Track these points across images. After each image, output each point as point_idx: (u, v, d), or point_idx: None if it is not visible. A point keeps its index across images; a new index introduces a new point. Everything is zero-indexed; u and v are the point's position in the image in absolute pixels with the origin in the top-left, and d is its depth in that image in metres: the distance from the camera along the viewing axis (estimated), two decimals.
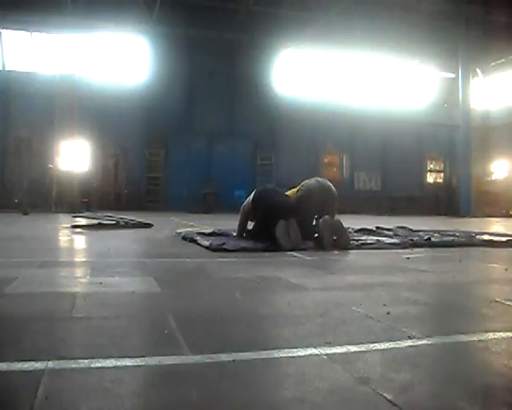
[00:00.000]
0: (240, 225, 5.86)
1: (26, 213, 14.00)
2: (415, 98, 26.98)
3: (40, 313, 2.13)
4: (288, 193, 5.88)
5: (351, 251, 5.11)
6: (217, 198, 20.50)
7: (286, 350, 1.64)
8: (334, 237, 5.23)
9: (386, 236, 6.47)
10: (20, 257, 4.21)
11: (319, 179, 5.95)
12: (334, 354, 1.62)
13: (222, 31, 21.93)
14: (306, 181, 5.97)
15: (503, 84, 27.62)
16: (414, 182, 26.22)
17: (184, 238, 6.06)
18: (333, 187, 5.80)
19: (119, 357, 1.53)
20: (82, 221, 9.62)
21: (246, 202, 5.85)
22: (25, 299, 2.43)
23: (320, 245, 5.06)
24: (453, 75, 24.92)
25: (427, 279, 3.35)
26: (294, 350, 1.64)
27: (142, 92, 21.70)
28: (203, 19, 21.40)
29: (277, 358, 1.58)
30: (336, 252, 4.98)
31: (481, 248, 5.58)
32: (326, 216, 5.23)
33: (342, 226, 5.28)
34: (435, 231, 7.27)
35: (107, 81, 21.70)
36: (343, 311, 2.32)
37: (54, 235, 7.40)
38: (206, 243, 5.11)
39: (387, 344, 1.72)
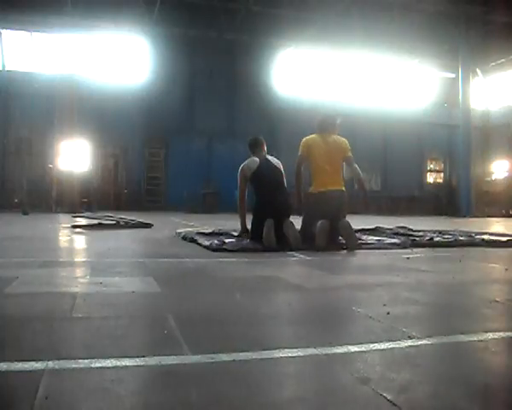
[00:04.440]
0: (241, 190, 5.61)
1: (26, 213, 14.00)
2: (415, 98, 26.97)
3: (40, 313, 2.13)
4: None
5: (351, 251, 5.11)
6: (217, 198, 20.50)
7: (286, 350, 1.63)
8: (342, 239, 5.26)
9: (386, 236, 6.46)
10: (20, 257, 4.21)
11: None
12: (334, 354, 1.62)
13: (222, 31, 21.92)
14: None
15: (503, 84, 27.62)
16: (414, 182, 26.22)
17: (184, 238, 6.06)
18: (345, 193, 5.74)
19: (119, 357, 1.52)
20: (82, 221, 9.62)
21: (241, 171, 5.54)
22: (25, 299, 2.43)
23: (313, 246, 5.02)
24: (453, 75, 24.91)
25: (427, 279, 3.35)
26: (294, 350, 1.63)
27: (142, 92, 21.70)
28: (203, 19, 21.40)
29: (277, 358, 1.58)
30: (336, 252, 4.98)
31: (481, 248, 5.58)
32: (324, 220, 5.11)
33: (350, 227, 5.21)
34: (435, 231, 7.26)
35: (107, 81, 21.69)
36: (343, 311, 2.32)
37: (54, 235, 7.40)
38: (206, 243, 5.11)
39: (387, 344, 1.72)
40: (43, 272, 3.29)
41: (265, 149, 5.79)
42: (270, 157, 5.66)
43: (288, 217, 5.24)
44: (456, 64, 22.90)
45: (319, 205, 5.43)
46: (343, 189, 5.62)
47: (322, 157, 5.60)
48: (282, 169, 5.63)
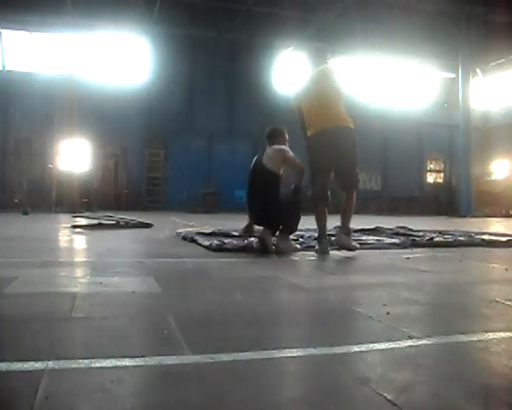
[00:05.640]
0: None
1: (26, 213, 14.00)
2: (415, 98, 26.98)
3: (40, 314, 2.13)
4: None
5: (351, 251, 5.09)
6: (217, 198, 20.50)
7: (286, 350, 1.63)
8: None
9: (386, 236, 6.46)
10: (20, 257, 4.20)
11: None
12: (334, 354, 1.61)
13: (222, 31, 21.92)
14: None
15: (503, 84, 27.62)
16: (414, 182, 26.23)
17: (184, 238, 6.06)
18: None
19: (119, 357, 1.52)
20: (82, 221, 9.61)
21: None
22: (24, 299, 2.43)
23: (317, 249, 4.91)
24: (453, 75, 24.92)
25: (427, 279, 3.35)
26: (294, 350, 1.63)
27: (142, 92, 21.71)
28: (203, 19, 21.41)
29: (277, 358, 1.58)
30: (336, 252, 4.97)
31: (481, 248, 5.57)
32: (324, 242, 4.78)
33: (347, 240, 4.91)
34: (435, 231, 7.27)
35: (107, 81, 21.70)
36: (343, 311, 2.32)
37: (54, 235, 7.40)
38: (206, 243, 5.10)
39: (387, 344, 1.72)
40: (42, 272, 3.29)
41: (285, 140, 5.26)
42: (265, 156, 5.11)
43: (269, 227, 4.86)
44: (456, 64, 22.90)
45: (315, 152, 4.71)
46: (346, 125, 4.72)
47: (311, 98, 4.88)
48: (281, 160, 5.03)
